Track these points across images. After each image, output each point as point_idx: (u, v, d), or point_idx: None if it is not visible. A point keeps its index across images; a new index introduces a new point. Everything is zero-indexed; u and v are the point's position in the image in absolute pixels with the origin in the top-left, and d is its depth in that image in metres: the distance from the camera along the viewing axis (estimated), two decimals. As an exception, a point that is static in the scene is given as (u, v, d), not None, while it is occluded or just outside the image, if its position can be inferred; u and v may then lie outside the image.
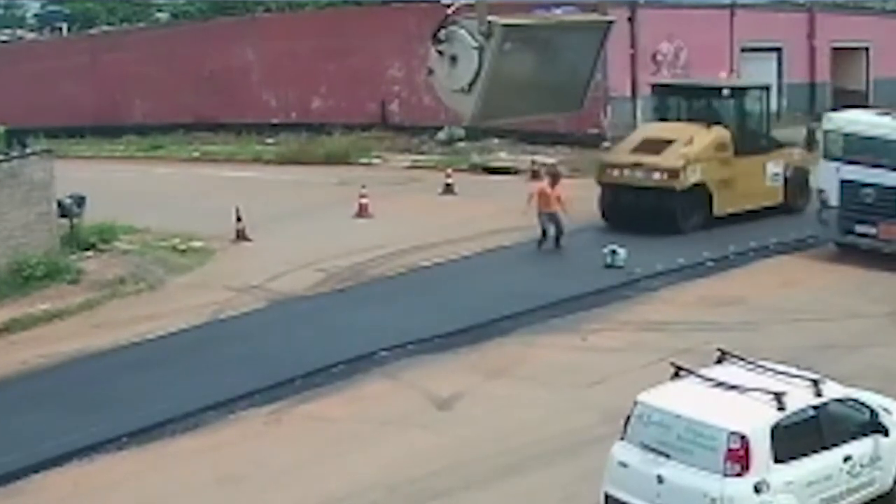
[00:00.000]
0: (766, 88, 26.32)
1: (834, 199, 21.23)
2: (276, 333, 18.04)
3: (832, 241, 21.86)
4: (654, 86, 27.73)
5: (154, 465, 13.53)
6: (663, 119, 25.65)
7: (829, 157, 21.52)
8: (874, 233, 20.76)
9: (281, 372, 15.98)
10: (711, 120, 24.60)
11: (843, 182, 21.03)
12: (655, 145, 23.95)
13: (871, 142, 20.77)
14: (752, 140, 24.84)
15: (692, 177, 23.37)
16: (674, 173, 23.26)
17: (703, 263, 21.30)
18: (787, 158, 25.35)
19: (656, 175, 23.39)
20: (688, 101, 25.75)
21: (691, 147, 23.60)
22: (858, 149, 20.96)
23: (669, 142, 23.83)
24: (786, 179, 25.13)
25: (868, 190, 20.65)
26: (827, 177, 21.45)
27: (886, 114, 21.98)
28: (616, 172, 24.02)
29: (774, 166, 24.99)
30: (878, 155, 20.59)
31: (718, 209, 23.79)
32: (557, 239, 22.35)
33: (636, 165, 23.70)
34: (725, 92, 25.36)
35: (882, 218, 20.53)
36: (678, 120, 25.16)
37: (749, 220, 24.19)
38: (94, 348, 17.53)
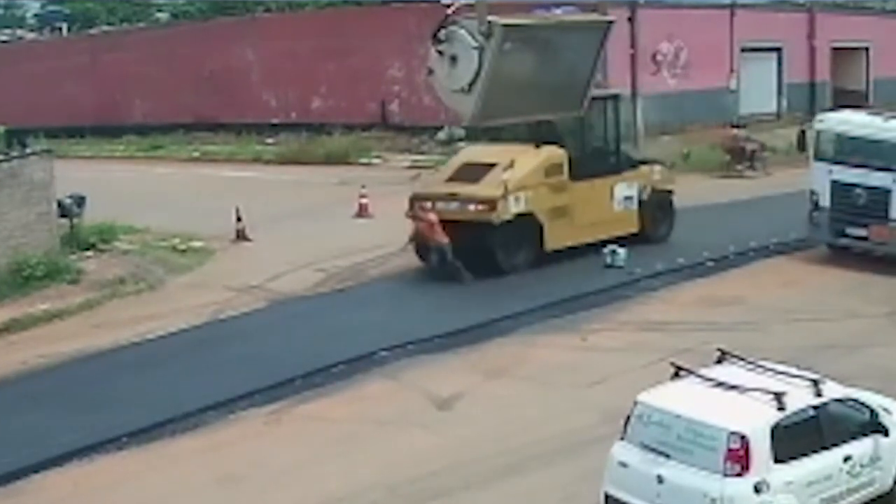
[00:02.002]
0: (615, 97, 22.96)
1: (825, 201, 21.11)
2: (276, 333, 18.03)
3: (823, 243, 21.78)
4: None
5: (154, 465, 13.52)
6: (497, 139, 22.17)
7: (820, 157, 21.36)
8: (865, 235, 20.65)
9: (281, 372, 15.98)
10: (545, 138, 21.33)
11: (835, 183, 20.92)
12: (474, 172, 20.72)
13: (863, 142, 20.64)
14: (596, 160, 21.97)
15: (514, 207, 20.17)
16: (490, 204, 19.99)
17: (703, 263, 21.30)
18: (644, 179, 22.45)
19: (472, 207, 20.17)
20: None
21: (512, 172, 20.28)
22: (850, 149, 20.81)
23: (491, 166, 20.61)
24: (641, 203, 22.27)
25: (859, 191, 20.54)
26: (818, 178, 21.29)
27: (878, 114, 21.92)
28: (428, 206, 20.58)
29: (626, 189, 22.05)
30: (869, 156, 20.46)
31: (551, 243, 20.77)
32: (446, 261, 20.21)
33: (451, 196, 20.47)
34: None
35: (873, 220, 20.38)
36: (514, 140, 21.64)
37: (749, 220, 24.10)
38: (94, 348, 17.53)
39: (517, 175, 20.30)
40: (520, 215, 20.30)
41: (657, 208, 22.61)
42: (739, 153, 31.30)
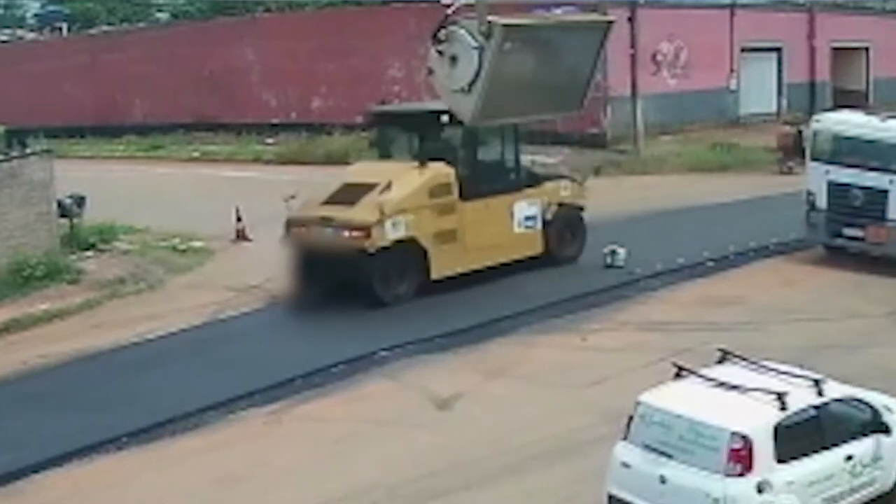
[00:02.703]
0: None
1: (822, 201, 21.05)
2: (276, 333, 18.04)
3: (820, 244, 21.76)
4: (371, 115, 22.30)
5: (154, 465, 13.52)
6: (386, 157, 20.71)
7: (817, 158, 21.31)
8: (862, 236, 20.59)
9: (281, 372, 15.98)
10: (433, 154, 19.58)
11: (832, 184, 20.87)
12: (354, 193, 19.04)
13: (860, 143, 20.55)
14: (491, 177, 20.17)
15: (393, 233, 18.46)
16: (365, 230, 18.26)
17: (703, 263, 21.29)
18: (549, 196, 20.81)
19: (346, 233, 18.49)
20: (406, 132, 20.49)
21: (390, 194, 18.62)
22: (847, 150, 20.72)
23: (373, 187, 18.93)
24: (546, 223, 20.68)
25: (856, 192, 20.49)
26: (815, 178, 21.22)
27: (875, 114, 21.86)
28: (303, 231, 19.08)
29: (528, 208, 20.43)
30: (866, 156, 20.37)
31: (438, 270, 19.08)
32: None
33: (325, 221, 18.76)
34: (444, 118, 19.34)
35: (870, 220, 20.31)
36: (403, 158, 20.13)
37: (748, 220, 24.10)
38: (94, 348, 17.54)
39: (396, 197, 18.60)
40: (400, 241, 18.53)
41: (565, 227, 21.07)
42: (791, 149, 30.85)
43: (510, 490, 12.40)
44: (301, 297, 19.30)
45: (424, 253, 18.94)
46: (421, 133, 20.13)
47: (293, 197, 19.67)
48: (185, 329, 18.30)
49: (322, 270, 18.93)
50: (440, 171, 19.31)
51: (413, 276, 18.92)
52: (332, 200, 19.16)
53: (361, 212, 18.46)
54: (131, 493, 12.94)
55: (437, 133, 19.91)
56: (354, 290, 18.55)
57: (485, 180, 19.94)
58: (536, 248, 20.57)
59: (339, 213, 18.69)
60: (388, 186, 18.70)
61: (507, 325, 17.93)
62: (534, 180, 20.93)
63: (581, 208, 21.46)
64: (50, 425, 14.56)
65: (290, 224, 19.35)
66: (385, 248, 18.40)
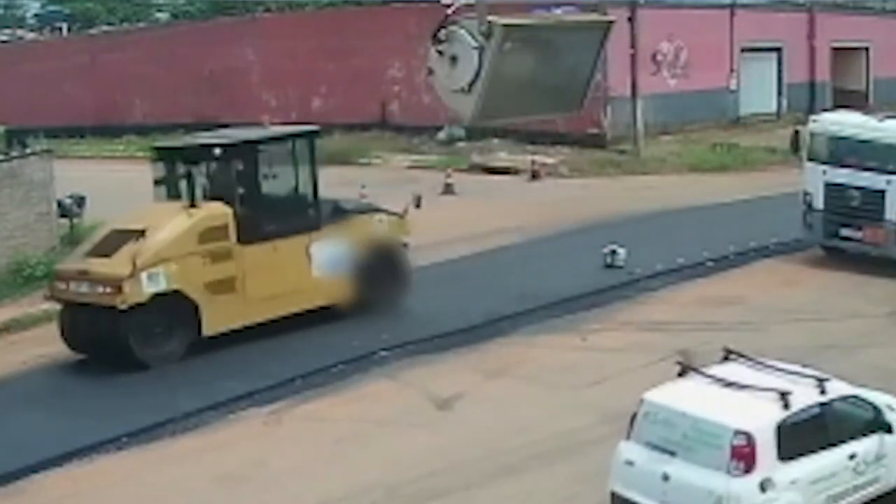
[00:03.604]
0: (310, 134, 18.46)
1: (819, 202, 21.03)
2: (275, 333, 18.02)
3: (817, 245, 21.75)
4: (152, 150, 19.51)
5: (154, 465, 13.52)
6: (174, 196, 17.65)
7: (814, 159, 21.28)
8: (859, 236, 20.58)
9: (281, 372, 15.99)
10: (214, 192, 17.39)
11: (828, 185, 20.84)
12: (115, 242, 16.71)
13: (857, 143, 20.52)
14: (280, 215, 17.71)
15: (151, 286, 16.12)
16: (115, 285, 15.96)
17: (703, 263, 21.29)
18: (358, 233, 18.42)
19: (100, 289, 16.18)
20: (186, 167, 17.61)
21: (146, 243, 16.33)
22: (844, 150, 20.70)
23: (135, 234, 16.66)
24: (356, 264, 18.31)
25: (853, 192, 20.47)
26: (812, 179, 21.21)
27: (872, 114, 21.83)
28: (63, 286, 16.78)
29: (331, 248, 18.01)
30: (864, 157, 20.35)
31: (212, 326, 16.68)
32: None
33: (83, 275, 16.48)
34: (219, 152, 17.24)
35: (867, 221, 20.30)
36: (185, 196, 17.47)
37: (748, 220, 24.11)
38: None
39: (154, 245, 16.32)
40: (162, 295, 16.20)
41: (380, 268, 18.53)
42: None
43: (510, 490, 12.40)
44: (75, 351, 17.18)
45: (196, 307, 16.56)
46: (194, 169, 17.52)
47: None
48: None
49: (84, 329, 16.64)
50: (213, 212, 16.87)
51: (182, 333, 16.55)
52: (94, 251, 16.88)
53: (116, 264, 16.15)
54: (131, 493, 12.94)
55: (212, 168, 17.59)
56: (113, 351, 16.29)
57: (271, 219, 17.48)
58: (344, 294, 18.11)
59: (95, 265, 16.42)
60: (143, 234, 16.48)
61: (507, 325, 17.94)
62: (339, 215, 18.40)
63: (402, 245, 19.03)
64: (50, 425, 14.57)
65: (54, 278, 17.20)
66: (142, 304, 16.06)
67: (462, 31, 18.96)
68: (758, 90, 39.82)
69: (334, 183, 30.22)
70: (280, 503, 12.57)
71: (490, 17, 18.79)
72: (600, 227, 23.98)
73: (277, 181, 17.90)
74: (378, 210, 19.25)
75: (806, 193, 21.36)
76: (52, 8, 62.93)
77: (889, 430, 11.14)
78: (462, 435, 13.89)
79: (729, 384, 10.86)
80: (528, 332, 17.65)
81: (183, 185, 17.46)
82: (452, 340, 17.29)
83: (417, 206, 18.32)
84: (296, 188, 18.12)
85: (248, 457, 13.63)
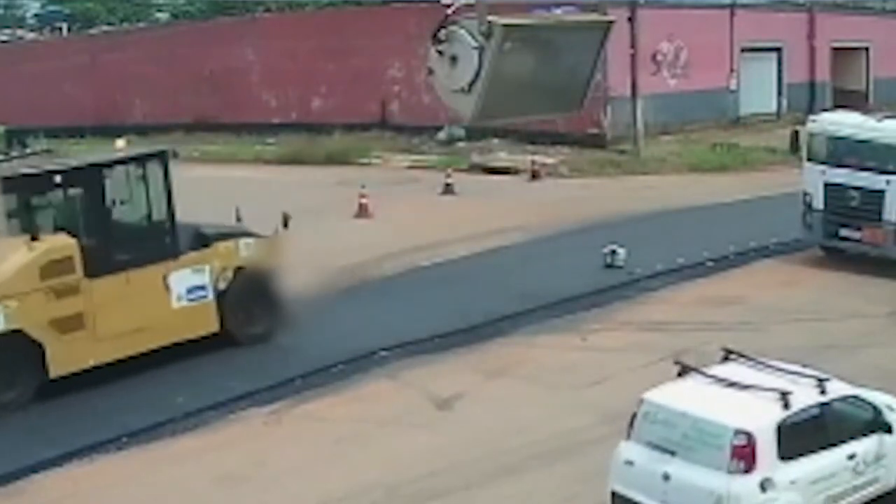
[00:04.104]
0: (162, 155, 16.79)
1: (818, 202, 21.02)
2: (275, 334, 18.02)
3: (816, 245, 21.74)
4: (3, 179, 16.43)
5: (154, 465, 13.53)
6: (27, 229, 15.72)
7: (813, 159, 21.27)
8: (858, 237, 20.58)
9: (281, 372, 16.00)
10: (58, 223, 15.97)
11: (828, 185, 20.84)
12: None
13: (856, 144, 20.51)
14: (132, 244, 16.28)
15: None
16: None
17: (703, 263, 21.29)
18: (222, 259, 17.03)
19: None
20: (29, 196, 16.06)
21: None
22: (843, 151, 20.68)
23: None
24: (222, 293, 16.99)
25: (853, 193, 20.46)
26: (811, 179, 21.21)
27: (871, 114, 21.81)
28: None
29: (193, 277, 16.66)
30: (863, 157, 20.33)
31: (60, 366, 15.30)
32: None
33: None
34: (59, 179, 15.71)
35: (867, 221, 20.30)
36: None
37: (748, 220, 24.10)
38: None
39: None
40: (1, 336, 14.84)
41: (249, 297, 17.23)
42: None
43: (510, 490, 12.41)
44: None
45: (40, 346, 15.20)
46: (38, 198, 16.06)
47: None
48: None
49: None
50: (56, 244, 15.43)
51: (26, 376, 15.18)
52: None
53: None
54: (131, 493, 12.94)
55: (56, 197, 16.07)
56: None
57: (123, 249, 16.12)
58: (209, 326, 16.77)
59: None
60: None
61: (507, 325, 17.94)
62: (200, 241, 17.03)
63: (273, 271, 17.67)
64: (50, 425, 14.56)
65: None
66: None
67: (462, 31, 18.95)
68: (758, 90, 39.84)
69: (334, 183, 30.45)
70: (280, 503, 12.57)
71: (490, 17, 18.78)
72: (600, 227, 23.98)
73: (128, 207, 16.43)
74: (246, 234, 17.75)
75: (805, 194, 21.35)
76: (52, 8, 62.94)
77: (889, 430, 11.15)
78: (462, 435, 13.89)
79: (729, 384, 10.87)
80: (528, 332, 17.65)
81: (31, 216, 15.97)
82: (452, 340, 17.30)
83: (285, 225, 17.63)
84: (149, 214, 16.60)
85: (248, 457, 13.63)
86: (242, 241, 17.43)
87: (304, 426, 14.56)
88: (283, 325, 17.57)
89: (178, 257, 16.55)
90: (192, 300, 16.64)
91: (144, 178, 16.49)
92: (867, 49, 43.19)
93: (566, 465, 12.82)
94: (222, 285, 16.97)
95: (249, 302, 17.26)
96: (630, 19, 32.94)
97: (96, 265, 15.64)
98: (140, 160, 16.56)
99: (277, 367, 16.22)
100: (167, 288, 16.36)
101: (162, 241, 16.59)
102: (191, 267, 16.66)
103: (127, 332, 15.78)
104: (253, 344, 17.09)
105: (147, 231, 16.63)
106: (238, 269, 17.17)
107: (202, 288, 16.75)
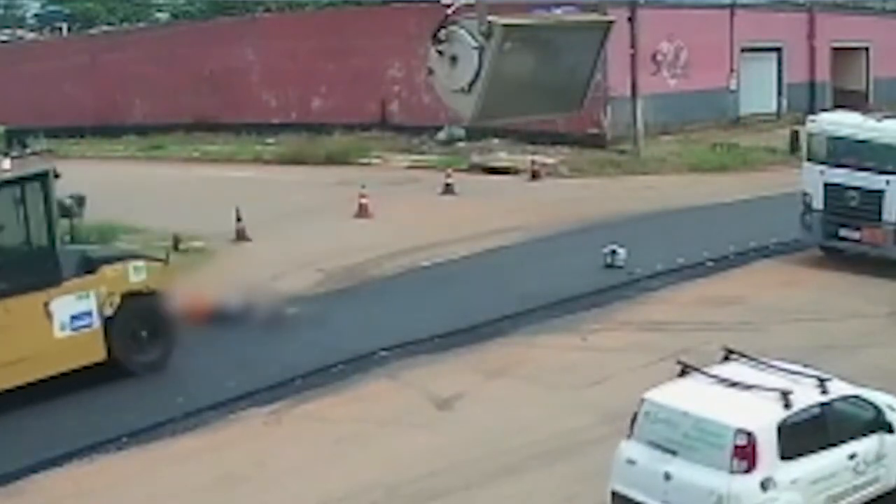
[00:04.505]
0: (42, 176, 15.77)
1: (818, 202, 21.01)
2: (275, 333, 18.02)
3: (816, 245, 21.73)
4: None
5: (154, 465, 13.52)
6: None
7: (813, 159, 21.25)
8: (858, 237, 20.57)
9: (281, 372, 15.99)
10: None
11: (827, 185, 20.82)
12: None
13: (856, 144, 20.49)
14: (10, 272, 15.35)
15: None
16: None
17: (703, 263, 21.29)
18: (108, 285, 16.00)
19: None
20: None
21: None
22: (843, 151, 20.66)
23: None
24: (109, 319, 15.93)
25: (852, 193, 20.45)
26: (811, 179, 21.19)
27: (871, 114, 21.79)
28: None
29: (77, 303, 15.67)
30: (862, 157, 20.32)
31: None
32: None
33: None
34: None
35: (866, 222, 20.29)
36: None
37: (748, 220, 24.10)
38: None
39: None
40: None
41: (139, 324, 16.23)
42: None
43: (510, 490, 12.41)
44: None
45: None
46: None
47: None
48: (185, 329, 18.24)
49: None
50: None
51: None
52: None
53: None
54: (131, 492, 12.94)
55: None
56: None
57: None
58: (96, 354, 15.76)
59: None
60: None
61: (507, 325, 17.94)
62: (85, 266, 16.09)
63: (164, 296, 16.62)
64: (50, 425, 14.56)
65: None
66: None
67: (462, 31, 18.95)
68: (758, 90, 39.82)
69: (334, 183, 30.44)
70: (280, 503, 12.57)
71: (490, 17, 18.79)
72: (600, 227, 23.98)
73: (5, 232, 15.43)
74: (135, 256, 17.05)
75: (804, 194, 21.35)
76: (52, 8, 62.92)
77: (889, 430, 11.16)
78: (462, 435, 13.88)
79: (730, 384, 10.87)
80: (528, 332, 17.65)
81: None
82: (452, 340, 17.29)
83: (175, 248, 17.14)
84: (27, 239, 15.64)
85: (248, 457, 13.62)
86: (131, 265, 16.51)
87: (304, 426, 14.55)
88: (173, 353, 16.51)
89: (60, 284, 15.54)
90: (76, 328, 15.65)
91: (23, 200, 15.48)
92: (867, 49, 43.17)
93: (566, 465, 12.82)
94: (109, 311, 15.93)
95: (139, 328, 16.29)
96: (630, 19, 32.92)
97: None
98: (17, 183, 15.47)
99: (277, 367, 16.19)
100: (49, 316, 15.38)
101: (43, 266, 15.56)
102: (75, 293, 15.65)
103: (7, 364, 14.72)
104: (145, 373, 16.06)
105: (25, 257, 15.66)
106: (127, 295, 16.11)
107: (87, 315, 15.75)
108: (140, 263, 16.62)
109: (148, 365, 16.26)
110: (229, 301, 17.84)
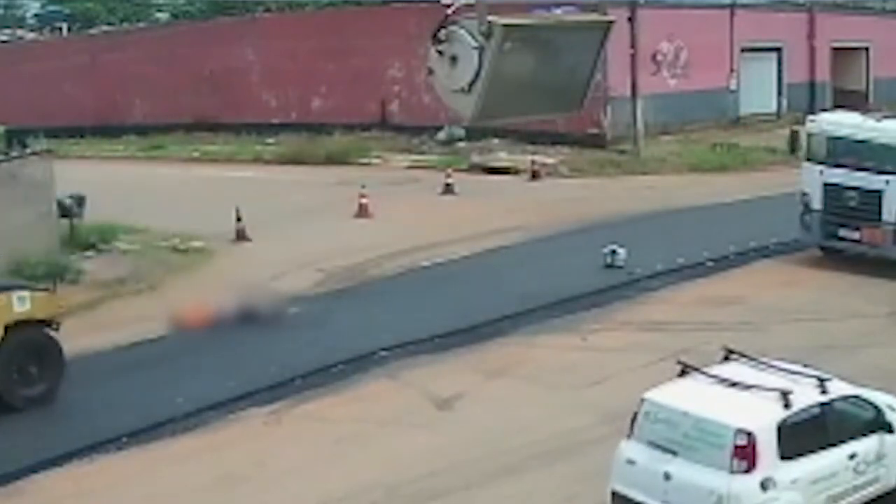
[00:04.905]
0: None
1: (817, 203, 21.01)
2: (275, 333, 18.02)
3: (815, 245, 21.73)
4: None
5: (154, 465, 13.52)
6: None
7: (812, 159, 21.25)
8: (857, 237, 20.57)
9: (281, 372, 15.99)
10: None
11: (827, 185, 20.81)
12: None
13: (855, 144, 20.48)
14: None
15: None
16: None
17: (703, 263, 21.29)
18: None
19: None
20: None
21: None
22: (842, 151, 20.65)
23: None
24: None
25: (851, 193, 20.44)
26: (810, 179, 21.18)
27: (871, 114, 21.78)
28: None
29: None
30: (861, 157, 20.31)
31: None
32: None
33: None
34: None
35: (865, 222, 20.29)
36: None
37: (748, 220, 24.10)
38: (94, 349, 17.50)
39: None
40: None
41: (23, 356, 15.22)
42: None
43: (510, 490, 12.41)
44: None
45: None
46: None
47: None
48: (185, 329, 18.27)
49: None
50: None
51: None
52: None
53: None
54: (131, 492, 12.94)
55: None
56: None
57: None
58: None
59: None
60: None
61: (507, 325, 17.94)
62: None
63: (51, 326, 15.70)
64: (50, 425, 14.56)
65: None
66: None
67: (462, 31, 18.95)
68: (758, 90, 39.83)
69: (334, 183, 30.43)
70: (280, 503, 12.56)
71: (490, 17, 18.78)
72: (600, 227, 23.98)
73: None
74: (19, 286, 16.01)
75: (804, 194, 21.35)
76: (52, 8, 62.91)
77: (890, 430, 11.16)
78: (462, 435, 13.88)
79: (730, 384, 10.87)
80: (528, 332, 17.65)
81: None
82: (452, 340, 17.29)
83: (61, 279, 17.26)
84: None
85: (248, 457, 13.62)
86: (15, 295, 15.43)
87: (304, 426, 14.55)
88: (60, 387, 15.56)
89: None
90: None
91: None
92: (867, 49, 43.18)
93: (566, 465, 12.82)
94: None
95: (22, 360, 15.23)
96: (630, 19, 32.92)
97: None
98: None
99: (277, 367, 16.19)
100: None
101: None
102: None
103: None
104: (30, 408, 15.09)
105: None
106: (10, 326, 15.12)
107: None
108: (24, 294, 15.57)
109: (33, 399, 15.22)
110: (229, 304, 17.98)
